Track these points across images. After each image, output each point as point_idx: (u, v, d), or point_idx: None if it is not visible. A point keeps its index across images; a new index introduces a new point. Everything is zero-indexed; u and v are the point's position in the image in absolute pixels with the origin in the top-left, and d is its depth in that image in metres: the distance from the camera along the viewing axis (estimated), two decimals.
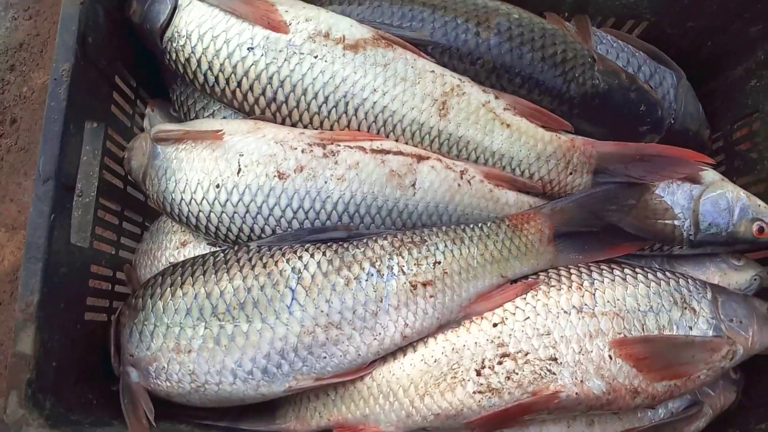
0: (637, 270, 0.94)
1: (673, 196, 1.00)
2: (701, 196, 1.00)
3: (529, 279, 0.93)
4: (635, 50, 1.12)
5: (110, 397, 0.93)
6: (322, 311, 0.86)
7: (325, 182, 0.92)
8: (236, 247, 0.92)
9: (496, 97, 0.98)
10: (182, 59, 0.97)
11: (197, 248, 1.02)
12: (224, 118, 1.04)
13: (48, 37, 2.07)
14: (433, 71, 0.97)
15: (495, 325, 0.88)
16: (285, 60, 0.94)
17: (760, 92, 1.09)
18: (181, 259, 1.01)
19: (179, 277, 0.90)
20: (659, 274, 0.93)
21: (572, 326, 0.87)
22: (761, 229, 0.99)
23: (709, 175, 1.02)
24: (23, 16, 2.13)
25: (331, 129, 0.97)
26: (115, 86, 1.05)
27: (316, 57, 0.94)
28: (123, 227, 1.10)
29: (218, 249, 0.96)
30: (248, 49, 0.94)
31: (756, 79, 1.10)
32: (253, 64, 0.94)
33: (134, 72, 1.12)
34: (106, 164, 1.02)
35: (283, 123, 0.98)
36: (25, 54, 2.10)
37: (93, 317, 0.99)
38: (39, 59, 2.07)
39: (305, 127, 0.98)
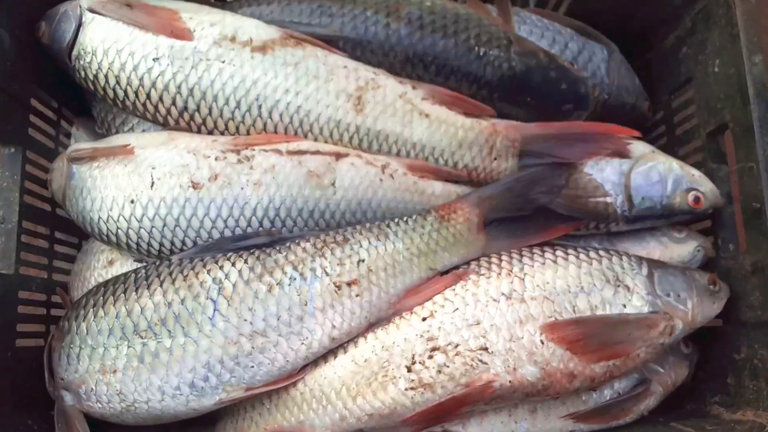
0: (569, 251, 0.92)
1: (603, 173, 0.98)
2: (631, 170, 0.98)
3: (460, 269, 0.91)
4: (561, 27, 1.10)
5: (53, 421, 0.92)
6: (245, 320, 0.84)
7: (242, 188, 0.90)
8: (158, 263, 0.91)
9: (413, 88, 0.96)
10: (90, 76, 0.96)
11: (124, 266, 1.01)
12: (143, 131, 1.03)
13: None
14: (345, 66, 0.95)
15: (424, 319, 0.87)
16: (192, 68, 0.92)
17: (691, 59, 1.07)
18: (109, 278, 1.00)
19: (101, 297, 0.89)
20: (592, 253, 0.91)
21: (502, 313, 0.86)
22: (697, 199, 0.97)
23: (639, 147, 1.00)
24: None
25: (247, 133, 0.95)
26: (32, 109, 1.04)
27: (223, 62, 0.92)
28: (55, 250, 1.09)
29: (141, 266, 0.94)
30: (153, 59, 0.92)
31: (686, 47, 1.08)
32: (159, 75, 0.92)
33: (56, 92, 1.11)
34: (27, 188, 1.00)
35: (198, 131, 0.96)
36: None
37: (27, 343, 0.98)
38: None
39: (222, 133, 0.96)
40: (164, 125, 0.97)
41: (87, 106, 1.13)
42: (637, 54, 1.19)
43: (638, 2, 1.10)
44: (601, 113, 1.09)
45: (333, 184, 0.92)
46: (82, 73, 0.97)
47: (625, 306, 0.87)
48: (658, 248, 1.02)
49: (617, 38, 1.16)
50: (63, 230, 1.11)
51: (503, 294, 0.87)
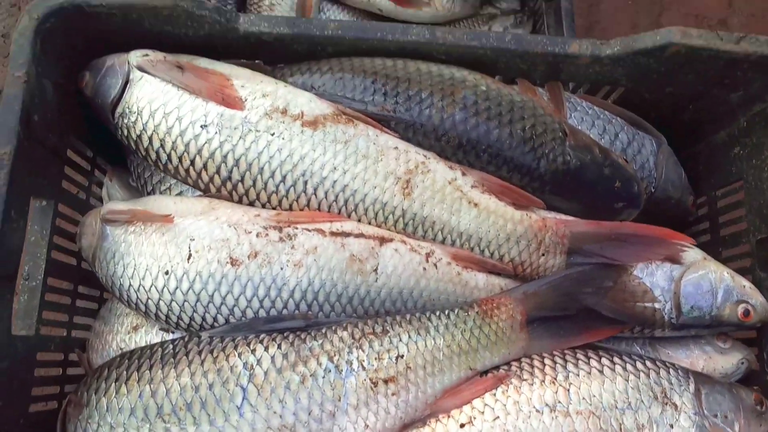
0: (615, 360, 0.87)
1: (653, 278, 0.94)
2: (682, 278, 0.94)
3: (500, 371, 0.87)
4: (612, 116, 1.07)
5: None
6: (275, 412, 0.80)
7: (281, 268, 0.86)
8: (186, 338, 0.86)
9: (463, 174, 0.92)
10: (134, 135, 0.92)
11: (149, 333, 0.96)
12: (180, 192, 0.99)
13: None
14: (396, 147, 0.91)
15: (462, 425, 0.82)
16: (240, 138, 0.89)
17: (744, 160, 1.04)
18: (133, 344, 0.96)
19: (125, 371, 0.84)
20: (639, 365, 0.87)
21: (545, 427, 0.81)
22: (746, 312, 0.93)
23: (691, 253, 0.97)
24: None
25: (290, 208, 0.91)
26: (67, 160, 1.00)
27: (272, 134, 0.89)
28: (76, 305, 1.05)
29: (168, 340, 0.90)
30: (201, 126, 0.89)
31: (739, 147, 1.05)
32: (206, 143, 0.89)
33: (91, 140, 1.07)
34: (55, 243, 0.96)
35: (239, 201, 0.93)
36: None
37: (40, 408, 0.93)
38: None
39: (263, 205, 0.92)
40: (204, 191, 0.94)
41: (122, 155, 1.10)
42: (684, 143, 1.16)
43: (693, 97, 1.07)
44: (646, 206, 1.05)
45: (375, 271, 0.88)
46: (125, 131, 0.93)
47: (672, 426, 0.83)
48: (701, 357, 0.98)
49: (666, 126, 1.13)
50: (86, 284, 1.07)
51: (547, 405, 0.82)
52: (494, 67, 1.01)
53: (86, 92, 0.96)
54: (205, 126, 0.89)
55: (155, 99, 0.90)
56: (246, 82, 0.92)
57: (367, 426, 0.81)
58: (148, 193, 1.03)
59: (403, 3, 1.65)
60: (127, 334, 0.97)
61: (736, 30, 2.09)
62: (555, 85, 1.02)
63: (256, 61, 0.99)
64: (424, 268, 0.90)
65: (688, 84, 1.02)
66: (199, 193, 0.95)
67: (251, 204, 0.92)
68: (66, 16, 0.90)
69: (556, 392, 0.83)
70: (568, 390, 0.83)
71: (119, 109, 0.92)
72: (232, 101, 0.89)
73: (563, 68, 1.00)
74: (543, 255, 0.93)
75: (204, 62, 0.95)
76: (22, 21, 0.87)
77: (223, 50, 0.98)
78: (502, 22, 1.68)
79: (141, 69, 0.91)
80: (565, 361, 0.87)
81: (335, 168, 0.90)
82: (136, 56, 0.92)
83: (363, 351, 0.83)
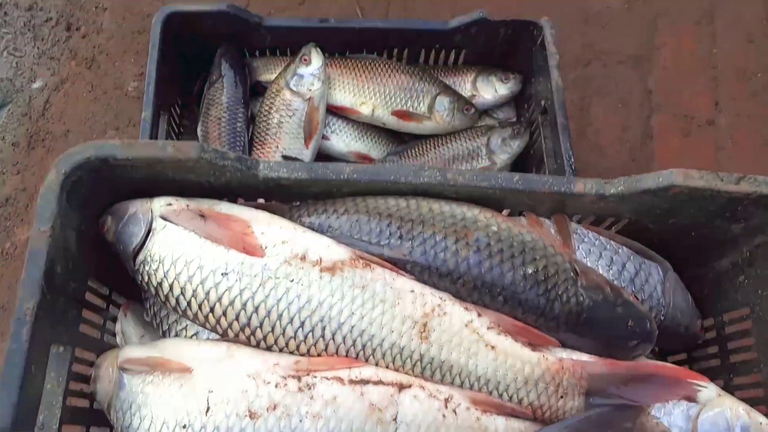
0: None
1: (670, 417, 0.95)
2: (699, 416, 0.95)
3: None
4: (618, 246, 1.10)
5: None
6: None
7: (300, 420, 0.86)
8: None
9: (479, 315, 0.94)
10: (154, 282, 0.94)
11: None
12: (196, 333, 1.00)
13: (34, 192, 2.07)
14: (412, 290, 0.93)
15: None
16: (260, 285, 0.91)
17: (750, 290, 1.06)
18: None
19: None
20: None
21: None
22: None
23: (706, 391, 0.97)
24: (11, 170, 2.14)
25: (308, 353, 0.92)
26: (86, 303, 1.01)
27: (291, 281, 0.91)
28: None
29: None
30: (222, 274, 0.91)
31: (744, 276, 1.08)
32: (226, 290, 0.91)
33: (108, 278, 1.09)
34: (71, 389, 0.96)
35: (257, 345, 0.94)
36: (11, 209, 2.08)
37: None
38: (24, 214, 2.06)
39: (280, 350, 0.93)
40: (222, 335, 0.94)
41: (137, 289, 1.11)
42: (689, 265, 1.19)
43: (695, 226, 1.10)
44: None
45: (395, 419, 0.88)
46: (145, 278, 0.95)
47: None
48: None
49: (669, 249, 1.16)
50: (96, 423, 1.05)
51: None
52: (502, 203, 1.04)
53: (108, 237, 0.98)
54: (226, 274, 0.91)
55: (177, 248, 0.92)
56: (266, 228, 0.95)
57: None
58: (164, 332, 1.04)
59: (405, 117, 1.72)
60: None
61: (724, 131, 2.19)
62: (561, 218, 1.06)
63: (273, 202, 1.02)
64: (444, 415, 0.89)
65: (690, 216, 1.05)
66: (216, 336, 0.96)
67: (269, 348, 0.93)
68: (92, 168, 0.93)
69: None
70: None
71: (141, 257, 0.94)
72: (252, 249, 0.92)
73: (569, 204, 1.04)
74: (561, 397, 0.94)
75: (225, 207, 0.98)
76: (50, 176, 0.90)
77: (243, 192, 1.02)
78: (500, 134, 1.74)
79: (164, 218, 0.94)
80: None
81: (353, 313, 0.91)
82: (159, 205, 0.95)
83: None
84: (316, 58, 1.66)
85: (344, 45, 1.78)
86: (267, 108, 1.68)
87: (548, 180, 0.99)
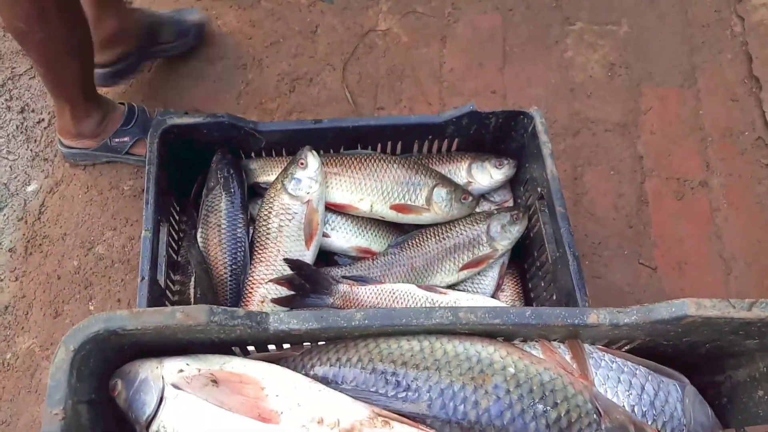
0: None
1: None
2: None
3: None
4: (635, 366, 1.08)
5: None
6: None
7: None
8: None
9: None
10: None
11: None
12: None
13: (34, 299, 2.04)
14: None
15: None
16: None
17: None
18: None
19: None
20: None
21: None
22: None
23: None
24: (9, 277, 2.11)
25: None
26: None
27: None
28: None
29: None
30: None
31: (762, 391, 1.06)
32: None
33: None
34: None
35: None
36: (10, 317, 2.05)
37: None
38: (24, 322, 2.02)
39: None
40: None
41: None
42: (705, 373, 1.17)
43: (710, 341, 1.08)
44: None
45: None
46: None
47: None
48: None
49: (684, 360, 1.14)
50: None
51: None
52: (515, 335, 1.03)
53: (119, 402, 0.95)
54: None
55: (191, 419, 0.90)
56: (280, 388, 0.92)
57: None
58: None
59: (404, 211, 1.71)
60: None
61: (717, 191, 2.19)
62: (576, 344, 1.04)
63: (285, 350, 1.00)
64: None
65: (704, 335, 1.04)
66: None
67: None
68: (101, 339, 0.91)
69: None
70: None
71: (154, 427, 0.92)
72: (267, 415, 0.89)
73: (582, 332, 1.03)
74: None
75: (236, 365, 0.95)
76: (59, 354, 0.88)
77: (253, 343, 0.99)
78: (499, 221, 1.73)
79: (176, 386, 0.92)
80: None
81: None
82: (170, 373, 0.93)
83: None
84: (312, 161, 1.66)
85: (338, 143, 1.78)
86: (266, 213, 1.67)
87: (561, 313, 0.98)
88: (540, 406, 0.93)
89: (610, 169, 2.24)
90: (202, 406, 0.90)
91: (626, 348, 1.11)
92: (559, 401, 0.94)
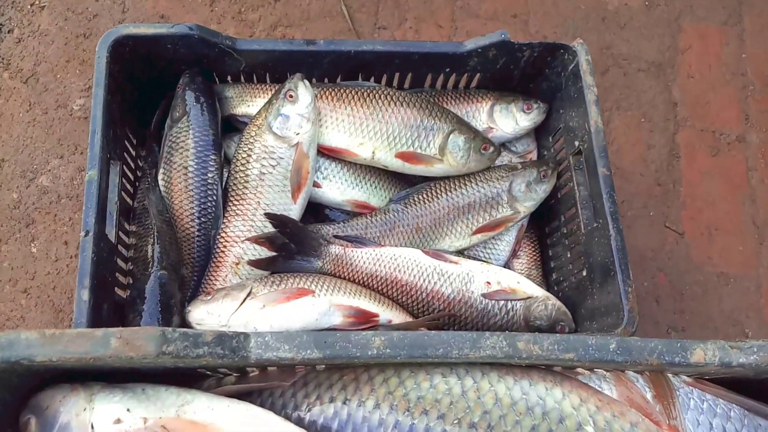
0: None
1: None
2: None
3: None
4: (729, 406, 0.82)
5: None
6: None
7: None
8: None
9: None
10: None
11: None
12: None
13: None
14: None
15: None
16: None
17: None
18: None
19: None
20: None
21: None
22: None
23: None
24: None
25: None
26: None
27: None
28: None
29: None
30: None
31: None
32: None
33: None
34: None
35: None
36: None
37: None
38: None
39: None
40: None
41: None
42: None
43: None
44: None
45: None
46: None
47: None
48: None
49: None
50: None
51: None
52: (588, 368, 0.75)
53: None
54: None
55: None
56: None
57: None
58: None
59: (412, 160, 1.39)
60: None
61: (755, 149, 1.91)
62: (663, 383, 0.77)
63: (271, 379, 0.70)
64: None
65: None
66: None
67: None
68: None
69: None
70: None
71: None
72: None
73: (674, 369, 0.75)
74: None
75: (200, 406, 0.66)
76: None
77: (228, 371, 0.70)
78: (524, 177, 1.43)
79: None
80: None
81: None
82: (101, 423, 0.62)
83: None
84: (305, 94, 1.31)
85: (335, 71, 1.43)
86: (245, 155, 1.33)
87: (656, 347, 0.70)
88: None
89: (641, 115, 1.93)
90: None
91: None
92: None
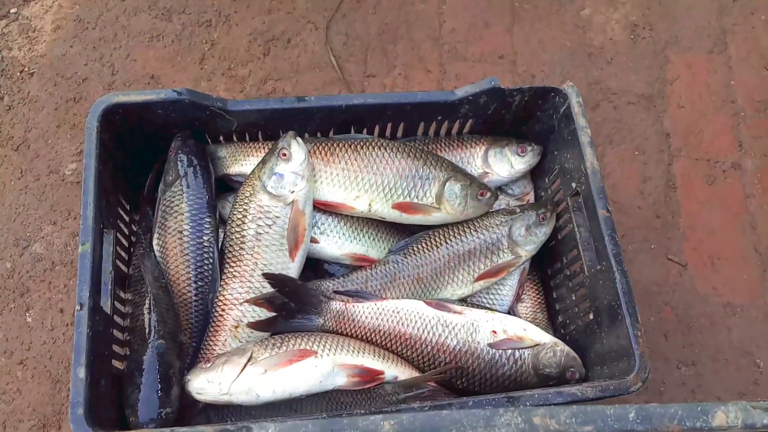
0: None
1: None
2: None
3: None
4: None
5: None
6: None
7: None
8: None
9: None
10: None
11: None
12: None
13: None
14: None
15: None
16: None
17: None
18: None
19: None
20: None
21: None
22: None
23: None
24: None
25: None
26: None
27: None
28: None
29: None
30: None
31: None
32: None
33: None
34: None
35: None
36: None
37: None
38: None
39: None
40: None
41: None
42: None
43: None
44: None
45: None
46: None
47: None
48: None
49: None
50: None
51: None
52: None
53: None
54: None
55: None
56: None
57: None
58: None
59: (409, 211, 1.38)
60: None
61: (751, 175, 1.91)
62: None
63: None
64: None
65: None
66: None
67: None
68: None
69: None
70: None
71: None
72: None
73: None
74: None
75: None
76: None
77: None
78: (523, 221, 1.42)
79: None
80: None
81: None
82: None
83: None
84: (298, 152, 1.30)
85: (327, 125, 1.42)
86: (240, 216, 1.31)
87: (676, 412, 0.67)
88: None
89: (635, 148, 1.93)
90: None
91: None
92: None
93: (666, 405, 0.65)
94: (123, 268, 1.31)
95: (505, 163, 1.48)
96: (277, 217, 1.29)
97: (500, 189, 1.55)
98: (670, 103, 2.00)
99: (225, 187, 1.45)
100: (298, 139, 1.30)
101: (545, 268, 1.52)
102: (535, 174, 1.57)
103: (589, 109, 1.97)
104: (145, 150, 1.40)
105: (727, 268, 1.80)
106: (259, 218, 1.29)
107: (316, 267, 1.43)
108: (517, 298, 1.48)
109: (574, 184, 1.36)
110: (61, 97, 1.84)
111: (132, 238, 1.39)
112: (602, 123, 1.95)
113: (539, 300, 1.51)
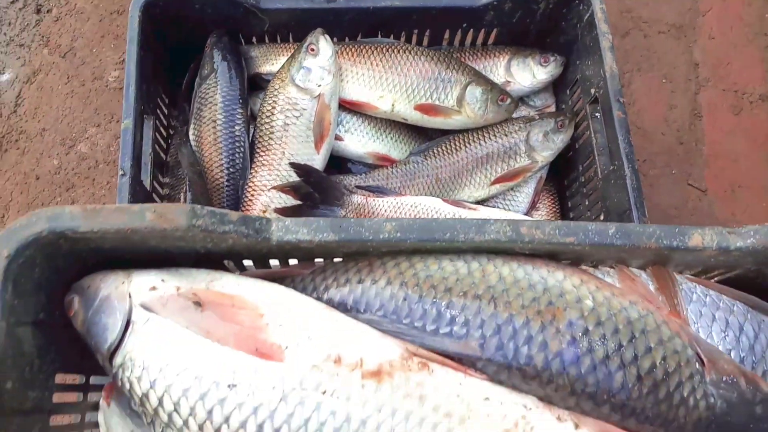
0: None
1: None
2: None
3: None
4: (731, 302, 0.85)
5: None
6: None
7: None
8: None
9: (576, 427, 0.70)
10: (138, 393, 0.69)
11: None
12: None
13: (10, 201, 1.80)
14: (487, 398, 0.68)
15: None
16: (280, 400, 0.65)
17: None
18: None
19: None
20: None
21: None
22: None
23: None
24: None
25: None
26: (54, 408, 0.77)
27: (323, 393, 0.66)
28: None
29: None
30: (228, 386, 0.66)
31: None
32: (235, 408, 0.65)
33: (82, 356, 0.83)
34: None
35: None
36: None
37: None
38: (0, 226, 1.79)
39: None
40: None
41: None
42: None
43: None
44: None
45: None
46: (127, 386, 0.70)
47: None
48: None
49: None
50: None
51: None
52: (587, 257, 0.79)
53: (76, 325, 0.73)
54: (234, 386, 0.66)
55: (166, 351, 0.67)
56: (285, 316, 0.69)
57: None
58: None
59: (431, 112, 1.44)
60: None
61: None
62: (665, 273, 0.80)
63: (291, 266, 0.76)
64: None
65: None
66: None
67: None
68: (46, 244, 0.67)
69: None
70: None
71: (118, 359, 0.69)
72: (268, 350, 0.66)
73: (675, 257, 0.78)
74: None
75: (228, 283, 0.72)
76: None
77: (250, 257, 0.76)
78: (541, 127, 1.47)
79: (146, 308, 0.68)
80: None
81: None
82: (139, 290, 0.69)
83: None
84: (325, 48, 1.37)
85: (356, 29, 1.49)
86: (269, 108, 1.40)
87: (654, 231, 0.73)
88: (630, 352, 0.70)
89: (662, 76, 1.94)
90: (180, 334, 0.67)
91: (718, 279, 0.88)
92: (652, 345, 0.71)
93: (645, 225, 0.71)
94: (161, 154, 1.41)
95: (527, 73, 1.52)
96: (304, 109, 1.37)
97: (522, 101, 1.60)
98: (700, 34, 2.00)
99: (256, 86, 1.53)
100: (326, 36, 1.37)
101: (562, 179, 1.57)
102: (557, 87, 1.61)
103: (619, 37, 1.98)
104: (183, 49, 1.49)
105: (747, 195, 1.82)
106: (288, 110, 1.37)
107: (340, 165, 1.52)
108: (533, 206, 1.54)
109: (593, 90, 1.40)
110: (106, 9, 1.94)
111: (170, 130, 1.49)
112: (631, 51, 1.97)
113: (554, 209, 1.57)
